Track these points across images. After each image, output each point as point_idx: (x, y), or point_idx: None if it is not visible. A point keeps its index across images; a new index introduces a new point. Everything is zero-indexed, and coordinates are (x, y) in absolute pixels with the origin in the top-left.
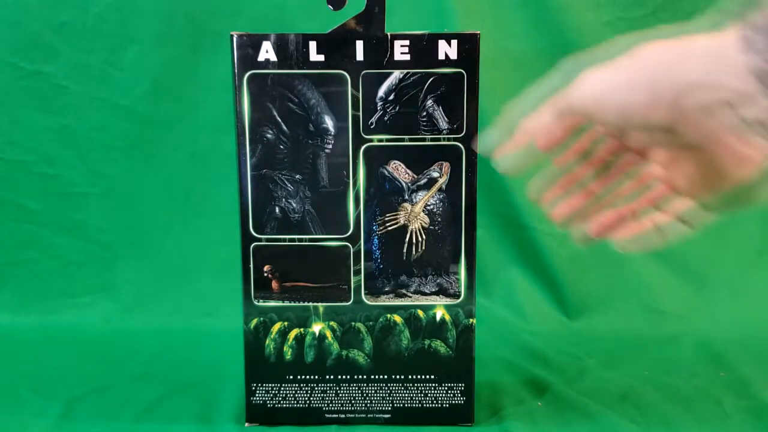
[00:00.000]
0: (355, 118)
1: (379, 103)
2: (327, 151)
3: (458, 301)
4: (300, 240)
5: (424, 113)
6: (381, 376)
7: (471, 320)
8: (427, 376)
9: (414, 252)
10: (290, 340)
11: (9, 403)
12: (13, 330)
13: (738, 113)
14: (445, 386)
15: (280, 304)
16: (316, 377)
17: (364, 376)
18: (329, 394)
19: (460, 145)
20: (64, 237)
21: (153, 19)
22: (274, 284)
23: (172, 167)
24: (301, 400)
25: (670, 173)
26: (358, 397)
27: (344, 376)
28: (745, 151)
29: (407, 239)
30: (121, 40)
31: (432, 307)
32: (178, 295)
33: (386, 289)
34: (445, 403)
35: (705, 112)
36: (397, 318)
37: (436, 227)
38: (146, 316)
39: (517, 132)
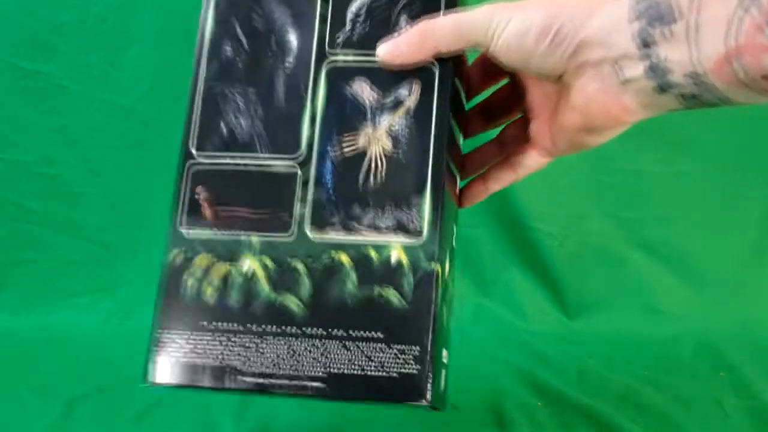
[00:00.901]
0: (321, 35)
1: (349, 20)
2: (287, 67)
3: (419, 240)
4: (243, 160)
5: (396, 32)
6: (317, 330)
7: (433, 265)
8: (374, 334)
9: (372, 180)
10: (213, 276)
11: (9, 403)
12: (12, 330)
13: (621, 73)
14: (394, 348)
15: (209, 234)
16: (237, 326)
17: (296, 329)
18: (250, 349)
19: (433, 65)
20: (64, 237)
21: (153, 19)
22: (207, 210)
23: (173, 167)
24: (214, 356)
25: (537, 126)
26: (286, 356)
27: (272, 327)
28: (617, 108)
29: (365, 165)
30: (121, 40)
31: (387, 246)
32: None
33: (334, 220)
34: (393, 371)
35: (594, 67)
36: (344, 257)
37: (400, 153)
38: (146, 316)
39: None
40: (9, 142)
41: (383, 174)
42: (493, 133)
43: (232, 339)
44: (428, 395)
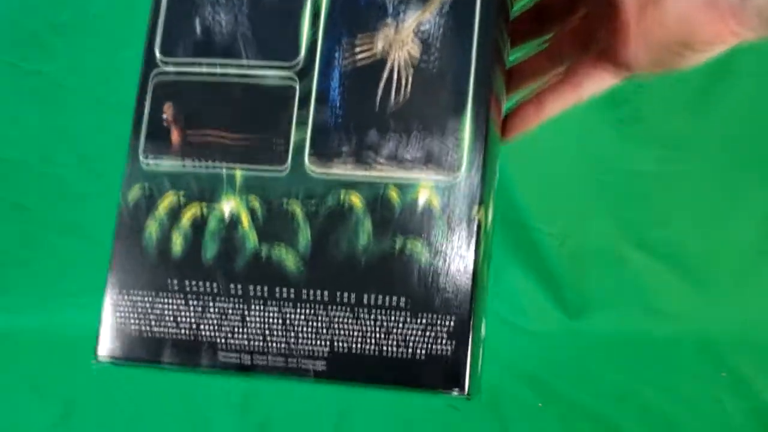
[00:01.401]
0: None
1: None
2: None
3: (455, 178)
4: (223, 69)
5: None
6: (318, 295)
7: (475, 211)
8: (395, 300)
9: (393, 97)
10: (183, 222)
11: (9, 403)
12: (13, 330)
13: None
14: (421, 320)
15: (178, 165)
16: (215, 288)
17: (292, 292)
18: (232, 318)
19: None
20: (64, 237)
21: None
22: (175, 134)
23: None
24: (186, 325)
25: (611, 34)
26: (278, 327)
27: (260, 290)
28: (728, 21)
29: (384, 77)
30: (120, 40)
31: (413, 185)
32: None
33: (344, 149)
34: (421, 351)
35: None
36: (356, 199)
37: (431, 62)
38: None
39: None
40: (9, 142)
41: (408, 89)
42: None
43: (209, 304)
44: (466, 383)
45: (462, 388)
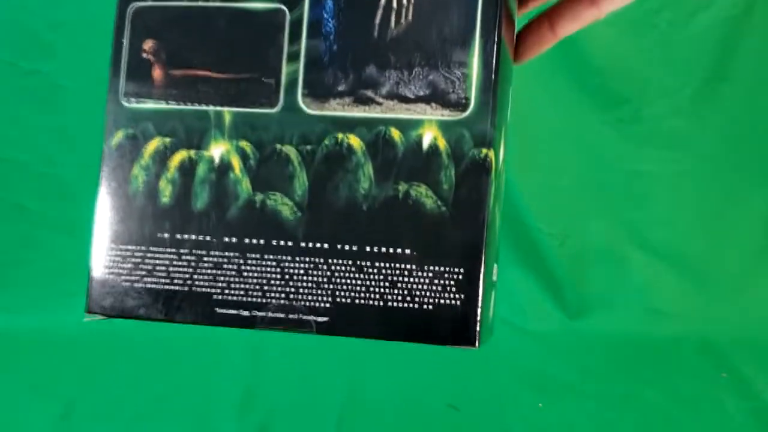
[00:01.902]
0: None
1: None
2: None
3: (464, 114)
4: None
5: None
6: (318, 245)
7: (484, 151)
8: (400, 250)
9: (393, 24)
10: (171, 169)
11: (8, 403)
12: (12, 330)
13: None
14: (428, 270)
15: (162, 106)
16: (208, 239)
17: (290, 243)
18: (227, 271)
19: None
20: (64, 237)
21: None
22: (157, 72)
23: None
24: (178, 280)
25: None
26: (276, 280)
27: (256, 241)
28: None
29: (382, 2)
30: None
31: (417, 123)
32: None
33: (340, 89)
34: (429, 303)
35: None
36: (355, 141)
37: None
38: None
39: None
40: (9, 142)
41: (410, 14)
42: None
43: (203, 257)
44: (476, 337)
45: (472, 342)
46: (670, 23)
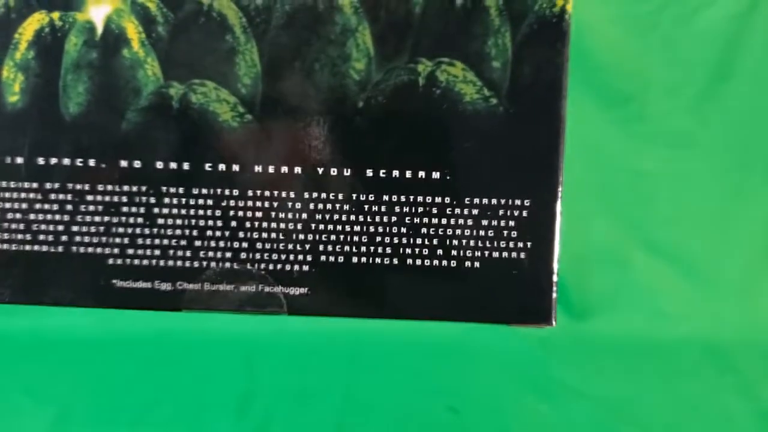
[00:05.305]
0: None
1: None
2: None
3: None
4: None
5: None
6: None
7: (560, 3)
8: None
9: None
10: (21, 46)
11: (3, 406)
12: (6, 331)
13: None
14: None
15: None
16: (92, 165)
17: (235, 168)
18: (123, 218)
19: None
20: None
21: None
22: None
23: None
24: (46, 235)
25: None
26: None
27: (174, 166)
28: None
29: None
30: None
31: None
32: None
33: None
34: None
35: None
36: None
37: None
38: (146, 317)
39: None
40: None
41: None
42: None
43: (86, 197)
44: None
45: (550, 320)
46: (674, 21)
